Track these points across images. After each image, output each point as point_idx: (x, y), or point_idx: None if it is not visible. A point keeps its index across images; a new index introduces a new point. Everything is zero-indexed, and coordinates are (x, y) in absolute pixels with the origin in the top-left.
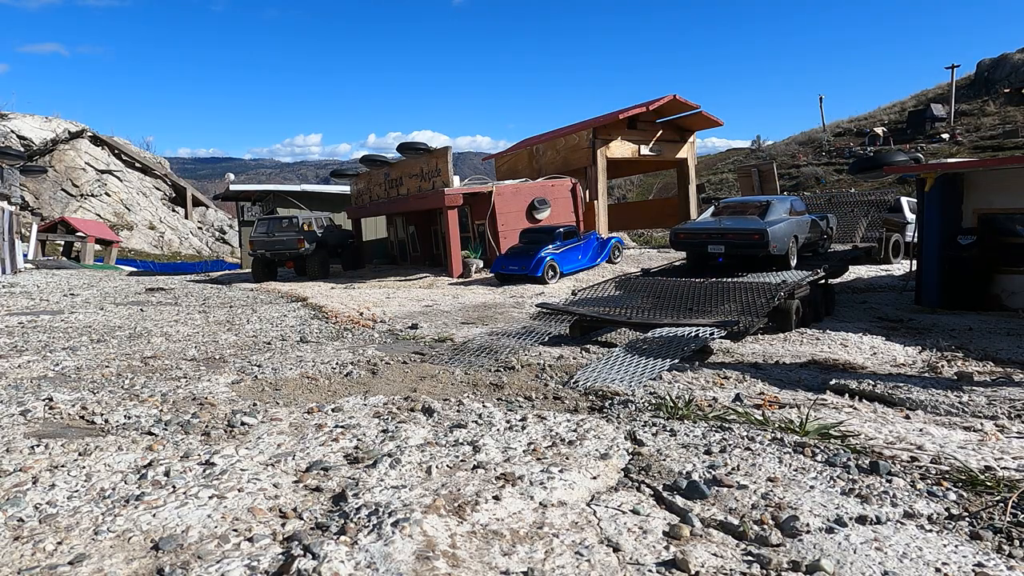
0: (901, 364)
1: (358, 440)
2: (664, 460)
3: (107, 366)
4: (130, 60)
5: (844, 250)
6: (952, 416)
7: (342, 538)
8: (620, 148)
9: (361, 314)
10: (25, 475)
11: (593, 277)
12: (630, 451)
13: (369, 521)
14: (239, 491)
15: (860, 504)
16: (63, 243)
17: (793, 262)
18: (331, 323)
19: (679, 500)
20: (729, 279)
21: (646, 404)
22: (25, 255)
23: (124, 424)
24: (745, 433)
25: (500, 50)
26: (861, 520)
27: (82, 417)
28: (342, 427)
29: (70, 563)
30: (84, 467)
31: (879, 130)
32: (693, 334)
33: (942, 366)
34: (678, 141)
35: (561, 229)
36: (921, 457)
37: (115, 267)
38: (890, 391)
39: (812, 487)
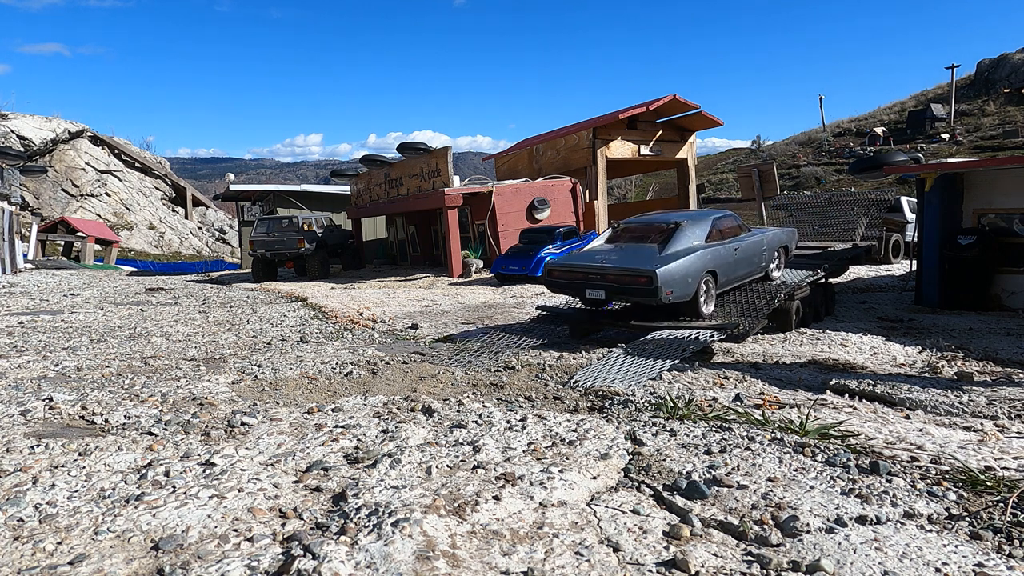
0: (901, 364)
1: (358, 440)
2: (664, 460)
3: (107, 366)
4: (131, 61)
5: (844, 249)
6: (952, 416)
7: (342, 538)
8: (620, 148)
9: (361, 314)
10: (25, 475)
11: None
12: (630, 451)
13: (369, 521)
14: (239, 491)
15: (860, 504)
16: (63, 243)
17: (707, 309)
18: (331, 323)
19: (679, 500)
20: None
21: (646, 404)
22: (25, 255)
23: (124, 424)
24: (745, 433)
25: (501, 50)
26: (861, 520)
27: (82, 417)
28: (342, 427)
29: (70, 563)
30: (84, 467)
31: (879, 130)
32: (693, 336)
33: (942, 366)
34: (678, 141)
35: (561, 229)
36: (921, 457)
37: (115, 267)
38: (890, 391)
39: (812, 487)
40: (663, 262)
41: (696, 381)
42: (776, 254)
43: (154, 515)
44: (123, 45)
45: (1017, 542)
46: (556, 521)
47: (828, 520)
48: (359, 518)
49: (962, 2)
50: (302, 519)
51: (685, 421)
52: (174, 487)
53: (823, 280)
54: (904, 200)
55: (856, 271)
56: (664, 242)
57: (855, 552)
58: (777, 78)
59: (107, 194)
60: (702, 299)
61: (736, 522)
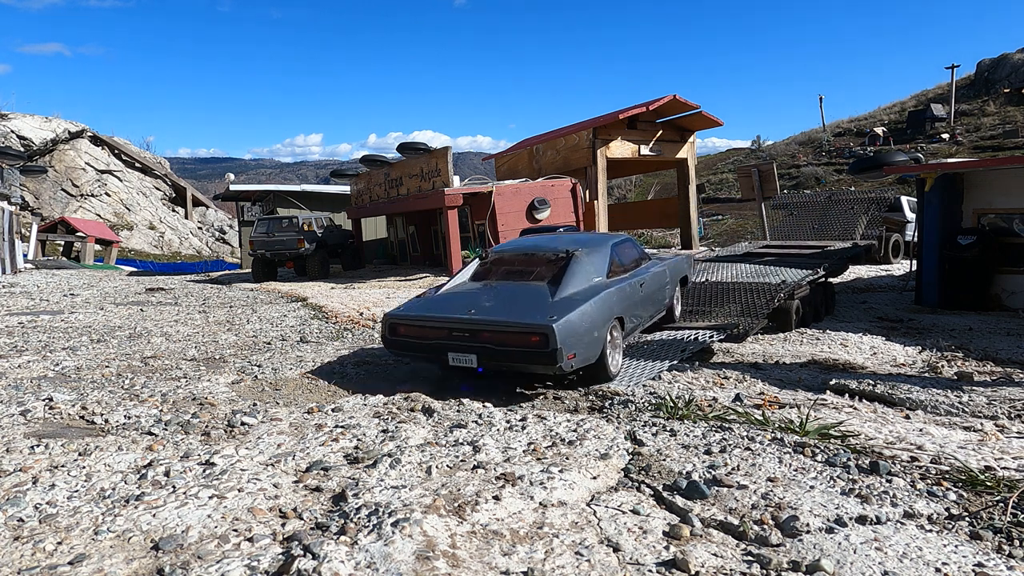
0: (901, 364)
1: (358, 440)
2: (664, 460)
3: (107, 366)
4: (131, 60)
5: (844, 248)
6: (952, 416)
7: (342, 538)
8: (620, 148)
9: (361, 314)
10: (25, 475)
11: None
12: (630, 451)
13: (369, 521)
14: (239, 491)
15: (860, 504)
16: (63, 243)
17: (614, 365)
18: (331, 323)
19: (679, 500)
20: (730, 279)
21: (646, 404)
22: (25, 255)
23: (124, 424)
24: (745, 433)
25: (501, 50)
26: (861, 520)
27: (82, 417)
28: (342, 427)
29: (70, 563)
30: (84, 467)
31: (879, 130)
32: (692, 337)
33: (942, 366)
34: (678, 141)
35: (561, 229)
36: (921, 457)
37: (115, 267)
38: (890, 391)
39: (812, 487)
40: (560, 310)
41: (696, 381)
42: (676, 286)
43: (154, 515)
44: (123, 45)
45: (1017, 542)
46: (556, 521)
47: (828, 520)
48: (359, 518)
49: (962, 2)
50: (302, 519)
51: (685, 421)
52: (174, 487)
53: (823, 279)
54: (904, 200)
55: (856, 271)
56: (556, 280)
57: (855, 552)
58: (777, 78)
59: (107, 194)
60: (609, 357)
61: (736, 522)
